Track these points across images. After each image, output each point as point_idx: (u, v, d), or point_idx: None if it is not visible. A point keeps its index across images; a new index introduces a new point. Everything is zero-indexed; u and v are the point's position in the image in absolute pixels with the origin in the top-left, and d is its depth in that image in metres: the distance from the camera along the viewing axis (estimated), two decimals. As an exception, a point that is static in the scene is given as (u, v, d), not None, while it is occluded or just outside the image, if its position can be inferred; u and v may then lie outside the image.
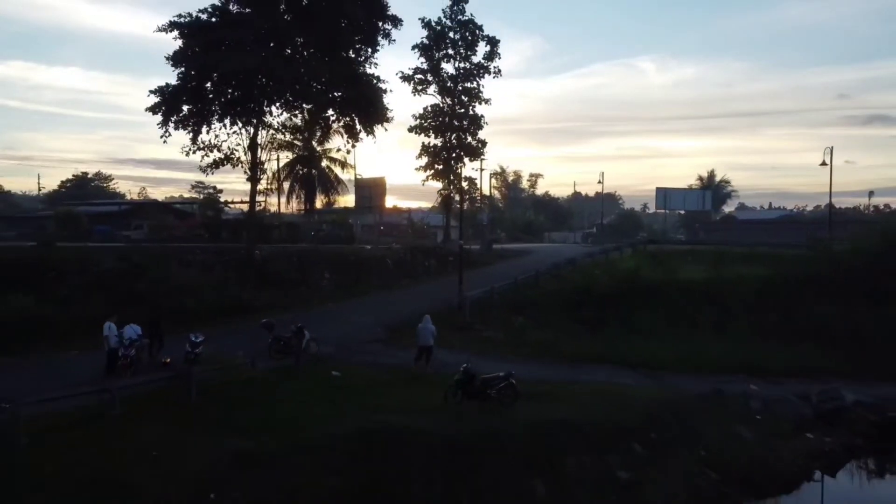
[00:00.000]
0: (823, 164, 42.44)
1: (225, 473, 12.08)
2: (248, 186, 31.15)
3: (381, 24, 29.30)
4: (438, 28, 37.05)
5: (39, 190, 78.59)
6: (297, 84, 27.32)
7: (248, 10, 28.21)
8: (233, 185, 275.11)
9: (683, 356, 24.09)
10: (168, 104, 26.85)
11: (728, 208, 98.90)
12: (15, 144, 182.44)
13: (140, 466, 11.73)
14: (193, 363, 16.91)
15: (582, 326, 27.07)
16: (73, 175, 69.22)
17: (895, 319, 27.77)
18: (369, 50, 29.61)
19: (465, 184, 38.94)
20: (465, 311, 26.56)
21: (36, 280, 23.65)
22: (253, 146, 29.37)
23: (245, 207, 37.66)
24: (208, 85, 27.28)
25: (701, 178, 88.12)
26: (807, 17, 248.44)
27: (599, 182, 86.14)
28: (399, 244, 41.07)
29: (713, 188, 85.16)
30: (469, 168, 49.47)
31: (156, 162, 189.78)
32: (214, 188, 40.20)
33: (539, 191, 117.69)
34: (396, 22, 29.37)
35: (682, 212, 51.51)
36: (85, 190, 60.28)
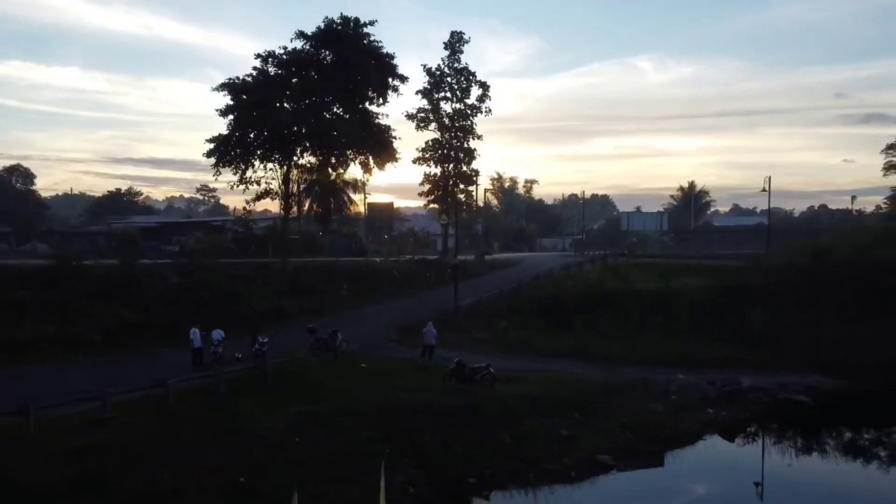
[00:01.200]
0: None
1: (296, 426, 18.63)
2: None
3: (391, 80, 35.91)
4: (438, 74, 43.66)
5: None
6: (324, 135, 33.92)
7: (283, 71, 34.76)
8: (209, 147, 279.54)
9: (632, 351, 30.61)
10: (220, 151, 33.45)
11: (724, 207, 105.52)
12: (13, 144, 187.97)
13: (246, 421, 18.30)
14: (262, 357, 23.45)
15: (554, 328, 33.63)
16: (108, 191, 76.05)
17: (811, 323, 34.44)
18: (381, 100, 36.19)
19: (461, 196, 45.53)
20: (459, 316, 33.14)
21: (123, 292, 30.22)
22: (286, 181, 36.02)
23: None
24: (252, 135, 33.84)
25: (682, 189, 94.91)
26: (804, 16, 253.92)
27: (583, 197, 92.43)
28: (404, 252, 47.46)
29: (693, 197, 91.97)
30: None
31: (154, 161, 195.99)
32: (245, 210, 45.65)
33: (535, 194, 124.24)
34: (404, 79, 36.11)
35: (665, 216, 57.73)
36: (119, 204, 66.65)
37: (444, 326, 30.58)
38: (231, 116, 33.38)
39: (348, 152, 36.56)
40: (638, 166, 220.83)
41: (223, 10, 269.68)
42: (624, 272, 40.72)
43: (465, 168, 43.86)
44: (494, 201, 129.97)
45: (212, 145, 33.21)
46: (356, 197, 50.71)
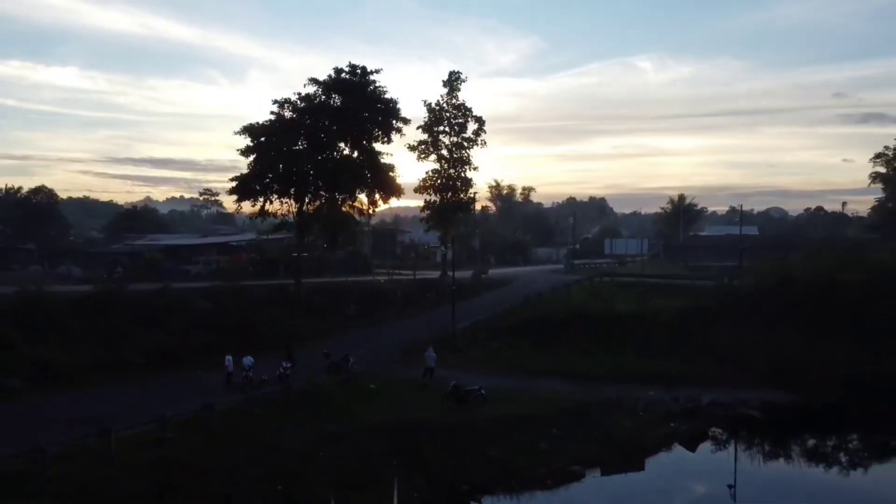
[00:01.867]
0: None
1: (319, 442, 22.46)
2: None
3: (394, 122, 39.83)
4: (437, 109, 47.58)
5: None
6: (334, 174, 37.86)
7: (296, 116, 38.66)
8: (231, 185, 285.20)
9: (611, 369, 34.37)
10: (242, 188, 37.38)
11: (723, 207, 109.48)
12: (13, 143, 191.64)
13: (279, 437, 22.15)
14: (286, 379, 27.30)
15: (542, 348, 37.41)
16: (126, 205, 79.83)
17: (774, 341, 38.25)
18: (386, 140, 40.13)
19: (460, 214, 49.36)
20: (457, 338, 37.00)
21: (160, 318, 34.08)
22: (300, 214, 39.92)
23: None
24: (270, 175, 37.78)
25: (672, 201, 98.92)
26: (803, 15, 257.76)
27: (580, 200, 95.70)
28: (406, 265, 51.00)
29: (682, 208, 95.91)
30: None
31: (153, 161, 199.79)
32: (265, 236, 49.22)
33: (534, 198, 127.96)
34: (406, 121, 40.02)
35: (645, 242, 61.39)
36: (136, 221, 70.42)
37: (443, 347, 34.49)
38: (252, 157, 37.31)
39: (356, 189, 40.54)
40: (637, 166, 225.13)
41: (222, 9, 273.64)
42: (606, 294, 44.56)
43: (462, 196, 47.81)
44: (493, 207, 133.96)
45: (234, 184, 37.21)
46: (362, 218, 54.60)
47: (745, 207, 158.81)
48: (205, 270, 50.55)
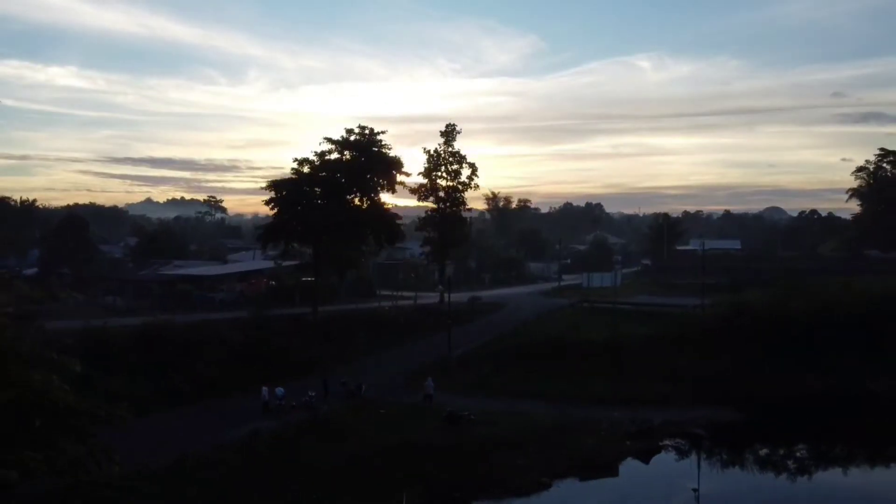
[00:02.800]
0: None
1: (342, 460, 28.52)
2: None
3: (398, 175, 46.00)
4: (436, 156, 53.70)
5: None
6: (346, 223, 44.03)
7: (313, 171, 44.80)
8: (230, 184, 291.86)
9: (582, 393, 40.27)
10: (268, 236, 43.54)
11: (722, 207, 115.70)
12: (12, 143, 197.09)
13: (309, 457, 28.18)
14: (311, 407, 33.34)
15: (526, 372, 43.35)
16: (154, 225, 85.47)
17: (727, 366, 44.34)
18: (390, 191, 46.33)
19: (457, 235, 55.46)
20: (453, 365, 43.05)
21: (200, 349, 40.07)
22: (316, 255, 46.04)
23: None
24: (292, 224, 43.97)
25: (658, 216, 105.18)
26: (802, 15, 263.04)
27: (576, 203, 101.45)
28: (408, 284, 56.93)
29: (666, 227, 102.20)
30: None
31: (152, 160, 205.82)
32: (276, 260, 55.17)
33: (533, 200, 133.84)
34: (408, 174, 46.20)
35: (619, 275, 67.44)
36: (161, 244, 76.29)
37: (440, 372, 40.56)
38: (276, 210, 43.68)
39: (364, 235, 46.66)
40: (636, 165, 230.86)
41: (221, 9, 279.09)
42: (583, 322, 50.67)
43: (457, 232, 53.93)
44: (489, 216, 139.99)
45: (261, 232, 43.45)
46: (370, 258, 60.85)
47: (744, 207, 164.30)
48: (228, 298, 56.63)
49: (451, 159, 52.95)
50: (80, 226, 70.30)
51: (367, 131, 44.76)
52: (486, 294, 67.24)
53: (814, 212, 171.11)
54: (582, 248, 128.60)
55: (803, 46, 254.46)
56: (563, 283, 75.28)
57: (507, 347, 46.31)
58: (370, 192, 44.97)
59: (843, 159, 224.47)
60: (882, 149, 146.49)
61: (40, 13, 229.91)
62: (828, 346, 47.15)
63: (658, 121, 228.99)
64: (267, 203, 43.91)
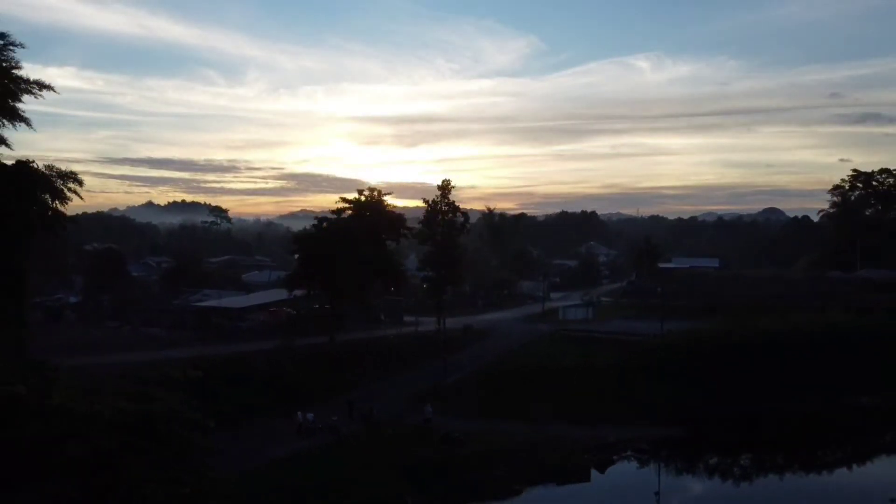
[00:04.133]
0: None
1: (362, 474, 37.16)
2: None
3: (402, 230, 54.73)
4: (434, 206, 62.52)
5: None
6: (358, 272, 52.81)
7: (332, 227, 53.60)
8: (230, 185, 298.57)
9: (555, 413, 48.86)
10: (293, 282, 52.28)
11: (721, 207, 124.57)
12: (10, 144, 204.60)
13: (340, 471, 36.83)
14: (335, 429, 41.98)
15: (510, 395, 51.93)
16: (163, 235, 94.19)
17: (681, 389, 52.94)
18: (395, 243, 55.02)
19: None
20: (448, 390, 51.68)
21: (237, 377, 48.59)
22: (332, 295, 54.76)
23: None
24: (312, 271, 52.76)
25: (639, 243, 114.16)
26: (800, 15, 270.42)
27: (561, 225, 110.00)
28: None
29: (646, 251, 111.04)
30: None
31: (151, 161, 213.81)
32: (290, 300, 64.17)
33: (531, 201, 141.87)
34: (410, 229, 54.84)
35: (591, 309, 76.44)
36: (189, 273, 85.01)
37: (437, 397, 49.18)
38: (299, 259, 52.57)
39: (375, 280, 55.46)
40: (635, 165, 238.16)
41: (220, 10, 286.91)
42: (560, 349, 59.43)
43: (453, 269, 62.92)
44: (485, 233, 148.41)
45: (286, 278, 52.42)
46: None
47: (743, 207, 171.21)
48: (253, 327, 65.38)
49: (447, 209, 61.82)
50: (118, 258, 78.91)
51: (375, 193, 53.63)
52: (479, 319, 76.02)
53: (805, 217, 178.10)
54: (571, 264, 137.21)
55: (801, 47, 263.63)
56: (548, 305, 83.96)
57: (494, 374, 54.92)
58: (379, 244, 53.75)
59: (841, 160, 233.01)
60: (855, 170, 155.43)
61: (39, 14, 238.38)
62: (764, 371, 56.11)
63: (657, 121, 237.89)
64: (291, 254, 52.50)
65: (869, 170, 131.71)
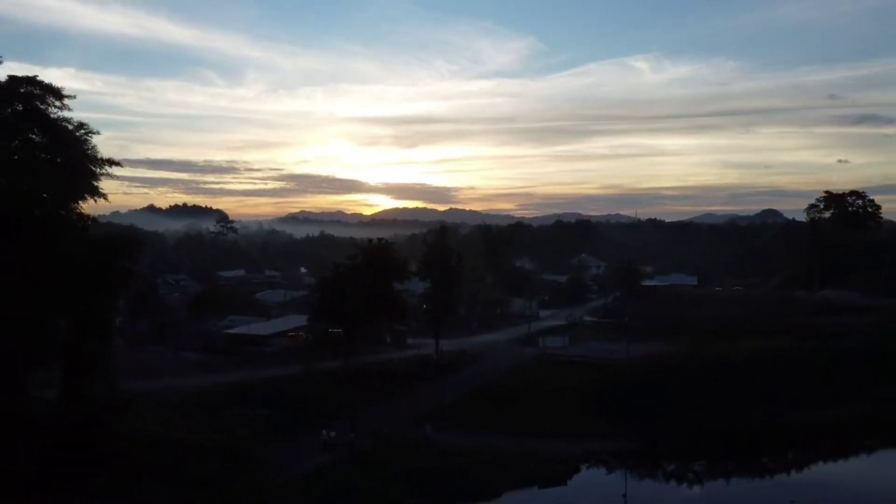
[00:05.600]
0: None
1: (375, 483, 46.88)
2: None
3: (405, 273, 64.68)
4: (432, 248, 72.42)
5: None
6: (369, 312, 62.68)
7: (346, 270, 63.50)
8: (229, 186, 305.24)
9: (535, 430, 58.54)
10: (315, 318, 62.16)
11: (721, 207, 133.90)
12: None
13: (356, 478, 46.57)
14: (352, 444, 51.66)
15: (500, 413, 61.63)
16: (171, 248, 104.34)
17: (648, 406, 62.63)
18: (400, 283, 64.95)
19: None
20: (444, 409, 61.43)
21: (269, 398, 58.30)
22: (347, 330, 64.61)
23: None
24: (332, 309, 62.68)
25: (620, 264, 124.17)
26: (799, 16, 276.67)
27: (557, 234, 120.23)
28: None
29: (628, 271, 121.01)
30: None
31: (150, 162, 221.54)
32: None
33: (530, 203, 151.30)
34: (413, 273, 64.83)
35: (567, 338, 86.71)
36: (208, 302, 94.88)
37: (436, 416, 58.93)
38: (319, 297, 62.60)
39: (381, 316, 65.59)
40: (634, 166, 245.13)
41: (219, 10, 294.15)
42: (542, 373, 69.27)
43: (450, 303, 73.02)
44: (483, 247, 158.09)
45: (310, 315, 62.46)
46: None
47: (742, 207, 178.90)
48: (276, 351, 75.21)
49: (443, 251, 71.84)
50: (154, 286, 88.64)
51: (384, 241, 63.67)
52: (473, 341, 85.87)
53: (798, 223, 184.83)
54: (561, 280, 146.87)
55: (800, 48, 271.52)
56: (536, 326, 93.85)
57: (485, 395, 64.73)
58: (386, 285, 63.72)
59: (840, 160, 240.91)
60: (827, 192, 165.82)
61: (38, 15, 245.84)
62: (716, 391, 65.95)
63: (656, 122, 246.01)
64: (314, 295, 62.41)
65: (866, 171, 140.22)
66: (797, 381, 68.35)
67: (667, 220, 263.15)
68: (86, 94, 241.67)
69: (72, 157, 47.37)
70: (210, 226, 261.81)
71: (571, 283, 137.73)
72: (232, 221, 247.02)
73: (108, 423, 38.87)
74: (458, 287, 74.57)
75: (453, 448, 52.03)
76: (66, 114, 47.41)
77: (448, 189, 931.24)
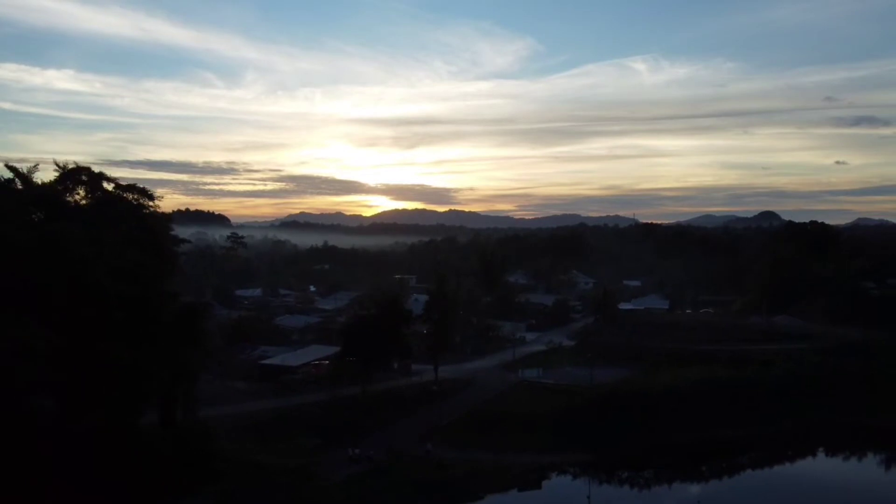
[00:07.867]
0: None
1: (385, 494, 62.74)
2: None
3: (408, 316, 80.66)
4: (433, 294, 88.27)
5: None
6: (383, 354, 78.66)
7: (365, 320, 79.54)
8: (228, 187, 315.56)
9: (516, 447, 74.12)
10: (341, 355, 78.28)
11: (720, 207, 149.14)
12: (9, 146, 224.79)
13: (373, 489, 62.37)
14: (371, 459, 67.48)
15: (488, 432, 77.31)
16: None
17: (604, 427, 78.58)
18: (406, 328, 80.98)
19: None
20: (441, 430, 77.24)
21: (311, 422, 74.00)
22: (364, 361, 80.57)
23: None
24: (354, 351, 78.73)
25: (598, 289, 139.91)
26: (796, 18, 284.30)
27: (553, 238, 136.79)
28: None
29: (604, 295, 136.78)
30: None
31: (150, 163, 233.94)
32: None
33: (529, 204, 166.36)
34: (418, 317, 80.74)
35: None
36: (245, 333, 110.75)
37: (435, 435, 74.74)
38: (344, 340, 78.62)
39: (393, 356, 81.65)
40: (633, 167, 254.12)
41: (217, 12, 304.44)
42: (521, 397, 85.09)
43: (447, 339, 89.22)
44: (478, 264, 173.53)
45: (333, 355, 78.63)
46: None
47: (741, 208, 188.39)
48: (304, 377, 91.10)
49: (442, 297, 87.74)
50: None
51: (393, 292, 79.81)
52: (465, 367, 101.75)
53: (793, 228, 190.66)
54: (548, 302, 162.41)
55: (797, 50, 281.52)
56: (522, 351, 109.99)
57: (473, 418, 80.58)
58: (396, 330, 79.85)
59: (838, 162, 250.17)
60: (790, 221, 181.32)
61: (38, 16, 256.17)
62: (664, 413, 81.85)
63: (654, 123, 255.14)
64: (337, 339, 78.45)
65: (864, 172, 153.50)
66: (729, 405, 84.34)
67: (664, 223, 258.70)
68: (85, 95, 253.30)
69: (158, 243, 63.31)
70: (217, 235, 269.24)
71: (557, 305, 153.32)
72: (242, 237, 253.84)
73: (201, 448, 54.68)
74: (455, 325, 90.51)
75: (448, 461, 67.79)
76: (153, 204, 63.42)
77: (447, 190, 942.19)
